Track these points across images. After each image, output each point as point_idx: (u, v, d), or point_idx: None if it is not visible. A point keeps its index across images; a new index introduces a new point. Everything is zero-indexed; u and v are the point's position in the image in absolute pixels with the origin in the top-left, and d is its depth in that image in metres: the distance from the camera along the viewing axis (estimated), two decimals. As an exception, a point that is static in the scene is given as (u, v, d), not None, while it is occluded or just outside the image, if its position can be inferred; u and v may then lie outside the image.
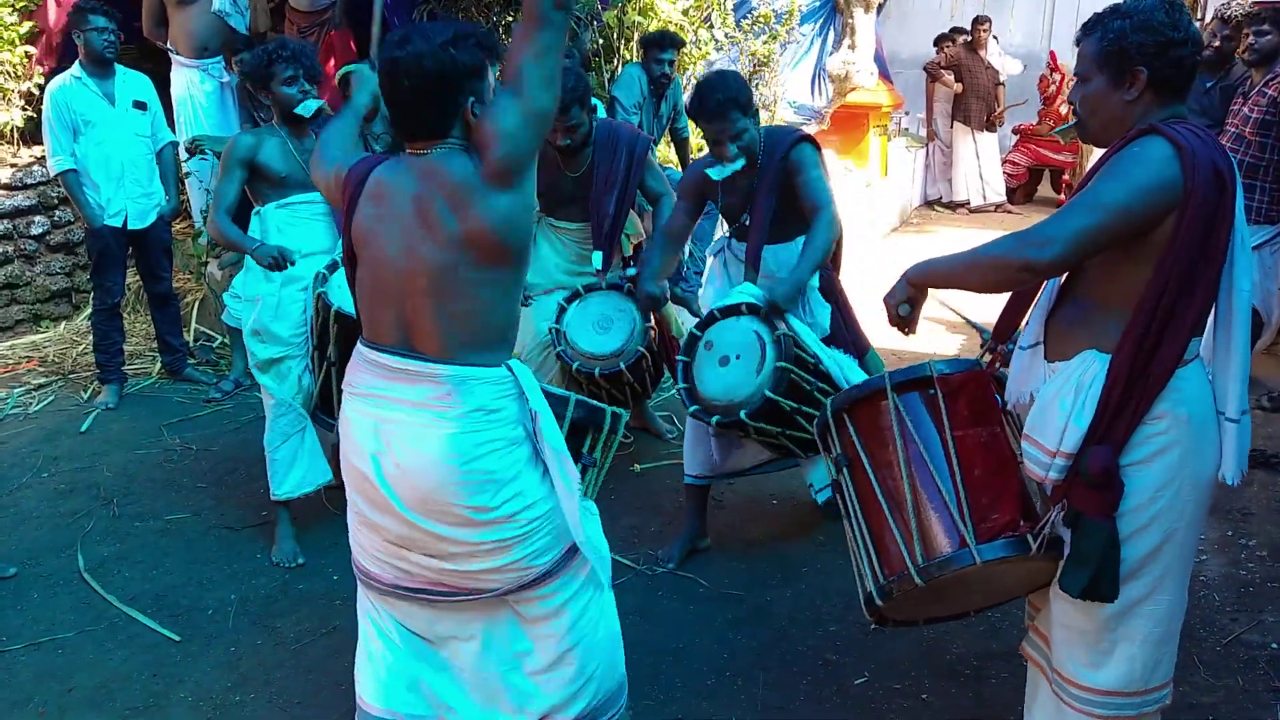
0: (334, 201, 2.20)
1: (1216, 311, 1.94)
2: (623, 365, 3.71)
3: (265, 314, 3.44)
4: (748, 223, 3.29)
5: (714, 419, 3.02)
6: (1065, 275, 2.00)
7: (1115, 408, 1.88)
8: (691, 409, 3.10)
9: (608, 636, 2.22)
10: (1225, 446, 1.96)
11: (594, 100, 3.98)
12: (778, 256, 3.31)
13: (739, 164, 3.19)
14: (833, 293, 3.42)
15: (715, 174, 3.21)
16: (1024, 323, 2.17)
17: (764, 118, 7.36)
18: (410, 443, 1.97)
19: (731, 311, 3.13)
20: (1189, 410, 1.90)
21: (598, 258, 3.90)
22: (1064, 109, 9.63)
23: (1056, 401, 1.94)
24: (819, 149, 3.27)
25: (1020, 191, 10.62)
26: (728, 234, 3.51)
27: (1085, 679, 2.01)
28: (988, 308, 2.37)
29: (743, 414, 2.93)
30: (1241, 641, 2.98)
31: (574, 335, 3.79)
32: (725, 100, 3.10)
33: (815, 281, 3.25)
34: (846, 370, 3.07)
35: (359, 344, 2.10)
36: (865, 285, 5.08)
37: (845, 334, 3.40)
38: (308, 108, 3.41)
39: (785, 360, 2.92)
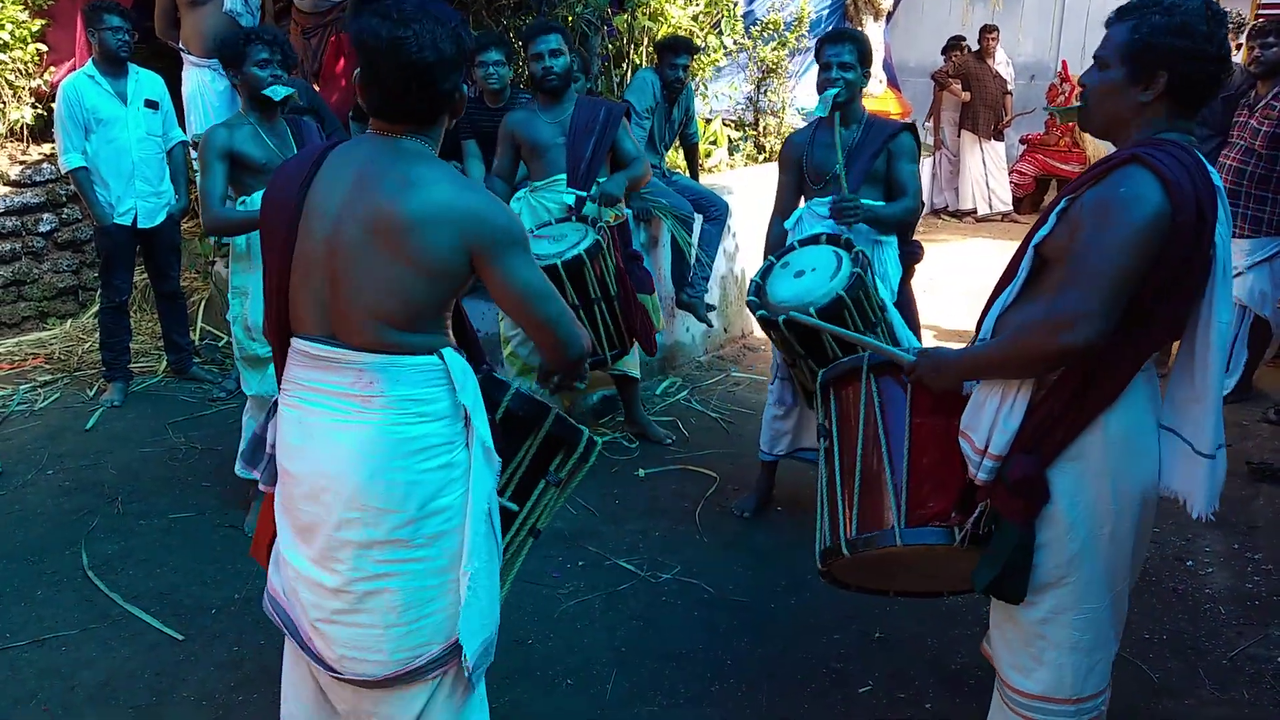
0: None
1: (1193, 344, 1.89)
2: (558, 261, 3.74)
3: (256, 309, 3.36)
4: (840, 170, 3.47)
5: (780, 318, 3.04)
6: (1027, 274, 1.94)
7: (1055, 418, 1.87)
8: (758, 314, 3.17)
9: None
10: (1195, 479, 1.91)
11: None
12: None
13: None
14: (906, 284, 3.65)
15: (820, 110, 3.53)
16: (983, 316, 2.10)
17: (772, 124, 7.42)
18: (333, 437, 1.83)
19: (810, 241, 3.34)
20: (1115, 420, 1.87)
21: (569, 197, 4.12)
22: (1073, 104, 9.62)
23: (987, 400, 1.95)
24: (919, 142, 3.65)
25: (1027, 201, 10.60)
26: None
27: (1017, 683, 2.04)
28: (970, 316, 2.36)
29: (813, 309, 2.97)
30: (1247, 655, 2.97)
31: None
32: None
33: (895, 252, 3.54)
34: (907, 335, 3.31)
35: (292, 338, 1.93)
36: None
37: (907, 316, 3.60)
38: (276, 91, 3.43)
39: (860, 268, 3.07)
